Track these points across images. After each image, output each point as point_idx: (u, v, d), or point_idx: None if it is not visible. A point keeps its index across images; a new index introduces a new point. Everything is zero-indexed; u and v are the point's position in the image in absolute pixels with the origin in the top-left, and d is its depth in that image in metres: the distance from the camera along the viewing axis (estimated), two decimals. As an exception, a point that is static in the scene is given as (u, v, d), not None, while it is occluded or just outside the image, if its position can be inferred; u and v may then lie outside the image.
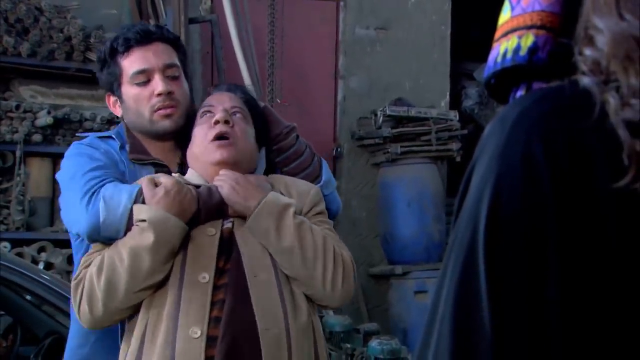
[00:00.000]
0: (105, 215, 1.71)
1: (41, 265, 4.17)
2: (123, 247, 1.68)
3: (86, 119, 4.53)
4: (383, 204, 5.38)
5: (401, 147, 5.29)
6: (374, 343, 3.75)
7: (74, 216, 1.78)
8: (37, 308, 3.15)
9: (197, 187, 1.78)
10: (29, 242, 4.32)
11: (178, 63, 1.93)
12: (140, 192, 1.72)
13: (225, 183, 1.75)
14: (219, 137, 1.80)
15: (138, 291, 1.68)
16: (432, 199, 5.28)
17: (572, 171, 0.67)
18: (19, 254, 4.13)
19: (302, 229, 1.72)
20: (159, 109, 1.88)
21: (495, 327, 0.68)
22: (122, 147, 1.92)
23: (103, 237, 1.73)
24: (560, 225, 0.67)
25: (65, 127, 4.51)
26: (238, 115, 1.86)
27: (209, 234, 1.73)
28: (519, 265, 0.68)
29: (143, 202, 1.70)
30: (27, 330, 3.18)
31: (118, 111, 1.96)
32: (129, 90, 1.90)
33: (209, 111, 1.85)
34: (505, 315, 0.68)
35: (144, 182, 1.73)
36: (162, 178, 1.74)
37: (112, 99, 1.96)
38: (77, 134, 2.03)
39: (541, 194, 0.68)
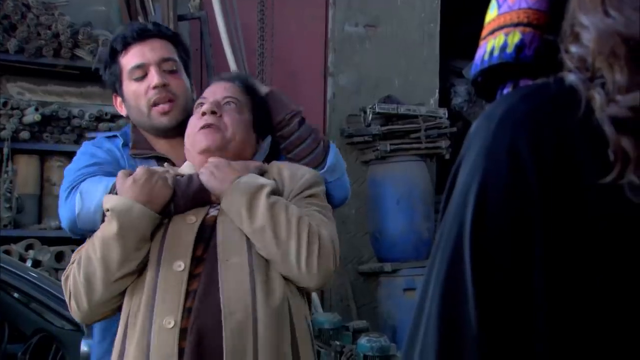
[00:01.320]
0: (80, 207, 1.75)
1: (29, 263, 4.15)
2: (96, 239, 1.70)
3: (74, 116, 4.51)
4: (372, 202, 5.38)
5: (390, 144, 5.29)
6: (363, 340, 3.75)
7: (59, 209, 1.85)
8: (25, 306, 3.14)
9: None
10: (16, 240, 4.30)
11: (176, 58, 1.95)
12: (115, 184, 1.74)
13: (206, 170, 1.75)
14: (205, 126, 1.81)
15: (115, 281, 1.68)
16: (422, 196, 5.28)
17: (558, 167, 0.68)
18: (7, 252, 4.11)
19: (275, 208, 1.69)
20: (156, 103, 1.89)
21: (481, 322, 0.68)
22: (125, 145, 1.95)
23: (81, 229, 1.78)
24: (546, 222, 0.67)
25: (53, 124, 4.49)
26: (231, 105, 1.85)
27: (189, 222, 1.72)
28: (505, 261, 0.68)
29: (116, 194, 1.72)
30: (14, 328, 3.17)
31: (123, 111, 1.99)
32: (128, 87, 1.93)
33: (202, 103, 1.86)
34: (491, 311, 0.68)
35: (118, 174, 1.74)
36: (138, 169, 1.74)
37: (118, 99, 1.99)
38: (88, 135, 2.10)
39: (527, 190, 0.68)
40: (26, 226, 4.42)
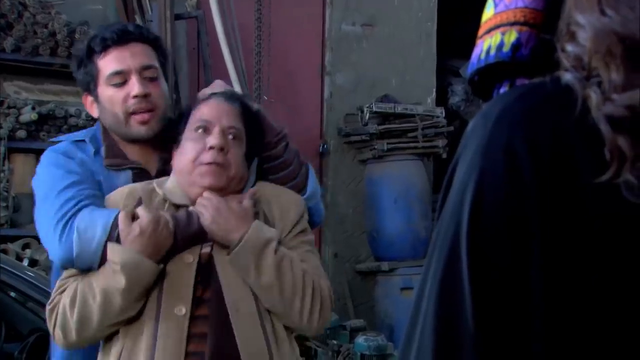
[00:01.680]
0: (79, 249, 1.68)
1: (25, 262, 4.15)
2: (96, 285, 1.66)
3: (71, 115, 4.50)
4: (369, 201, 5.39)
5: (387, 143, 5.29)
6: (360, 339, 3.75)
7: (48, 243, 1.75)
8: (22, 305, 3.14)
9: (177, 206, 1.75)
10: (13, 239, 4.30)
11: (156, 64, 1.88)
12: (115, 224, 1.67)
13: (206, 211, 1.70)
14: (213, 164, 1.74)
15: (111, 325, 1.68)
16: (419, 195, 5.29)
17: (554, 166, 0.68)
18: (3, 251, 4.10)
19: (282, 266, 1.70)
20: (134, 112, 1.83)
21: (478, 321, 0.68)
22: (96, 152, 1.87)
23: (77, 268, 1.71)
24: (543, 221, 0.67)
25: (50, 123, 4.48)
26: (234, 139, 1.78)
27: (186, 261, 1.70)
28: (501, 260, 0.68)
29: (118, 237, 1.67)
30: (11, 327, 3.16)
31: (95, 112, 1.91)
32: (104, 91, 1.85)
33: (205, 127, 1.76)
34: (487, 310, 0.68)
35: (120, 216, 1.68)
36: (140, 211, 1.69)
37: (89, 99, 1.91)
38: (50, 140, 1.98)
39: (523, 189, 0.68)
40: (23, 225, 4.41)
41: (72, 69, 1.94)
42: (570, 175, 0.68)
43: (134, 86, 1.83)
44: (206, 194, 1.73)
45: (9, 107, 4.37)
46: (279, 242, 1.74)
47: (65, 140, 1.93)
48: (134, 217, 1.68)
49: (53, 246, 1.72)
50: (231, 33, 4.68)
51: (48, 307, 1.72)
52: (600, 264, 0.67)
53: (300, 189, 1.90)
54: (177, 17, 4.74)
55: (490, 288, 0.68)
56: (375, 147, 5.30)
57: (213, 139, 1.73)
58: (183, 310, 1.65)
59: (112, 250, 1.65)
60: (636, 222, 0.67)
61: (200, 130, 1.76)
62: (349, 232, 5.57)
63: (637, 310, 0.67)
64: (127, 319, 1.68)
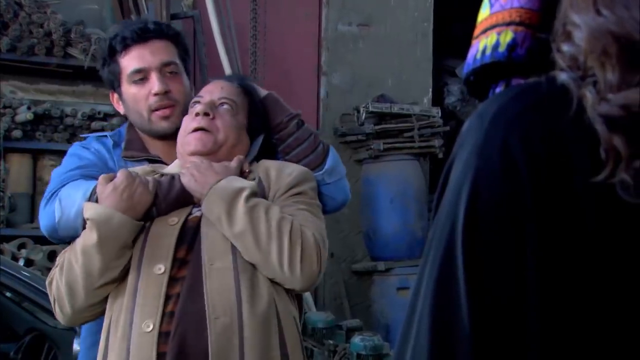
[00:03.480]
0: (60, 215, 1.73)
1: (21, 262, 4.14)
2: (77, 246, 1.68)
3: (67, 115, 4.50)
4: (366, 201, 5.39)
5: (384, 143, 5.30)
6: (356, 339, 3.75)
7: (39, 217, 1.83)
8: (18, 305, 3.13)
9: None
10: (8, 239, 4.29)
11: (177, 60, 1.93)
12: (95, 189, 1.71)
13: (187, 171, 1.74)
14: (198, 129, 1.79)
15: (98, 288, 1.67)
16: (415, 195, 5.29)
17: (549, 166, 0.68)
18: (-1, 251, 4.10)
19: (255, 211, 1.67)
20: (156, 109, 1.88)
21: (474, 322, 0.68)
22: (116, 145, 1.93)
23: (61, 236, 1.75)
24: (538, 221, 0.67)
25: (46, 123, 4.47)
26: (225, 106, 1.82)
27: (170, 223, 1.70)
28: (497, 260, 0.68)
29: (97, 201, 1.69)
30: (7, 327, 3.16)
31: (121, 108, 1.97)
32: (128, 89, 1.91)
33: (198, 102, 1.83)
34: (483, 310, 0.68)
35: (99, 179, 1.71)
36: (118, 173, 1.72)
37: (115, 96, 1.97)
38: (81, 135, 2.08)
39: (519, 189, 0.68)
40: (19, 225, 4.41)
41: (97, 67, 2.00)
42: (565, 175, 0.68)
43: (154, 84, 1.87)
44: (191, 159, 1.76)
45: (4, 107, 4.37)
46: (255, 194, 1.71)
47: (89, 137, 2.02)
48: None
49: (40, 217, 1.81)
50: (227, 33, 4.68)
51: (47, 283, 1.74)
52: (595, 264, 0.67)
53: (316, 166, 1.89)
54: (173, 16, 4.74)
55: (485, 288, 0.68)
56: (372, 147, 5.31)
57: (198, 106, 1.80)
58: (162, 268, 1.65)
59: (85, 207, 1.69)
60: (632, 222, 0.67)
61: (193, 107, 1.83)
62: (345, 231, 5.57)
63: (634, 311, 0.67)
64: (110, 281, 1.67)
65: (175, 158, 1.88)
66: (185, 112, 1.88)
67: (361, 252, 5.56)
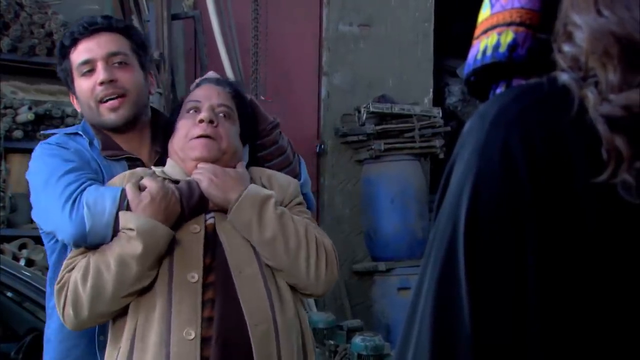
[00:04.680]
0: (91, 223, 1.68)
1: (22, 262, 4.14)
2: (110, 255, 1.66)
3: (68, 115, 4.50)
4: (366, 201, 5.39)
5: (385, 143, 5.30)
6: (357, 339, 3.75)
7: (56, 223, 1.74)
8: (18, 305, 3.13)
9: (177, 182, 1.77)
10: (9, 239, 4.29)
11: (127, 51, 1.89)
12: (123, 196, 1.69)
13: (203, 177, 1.74)
14: (203, 136, 1.79)
15: (125, 296, 1.68)
16: (416, 195, 5.29)
17: (550, 166, 0.68)
18: (0, 251, 4.10)
19: (284, 218, 1.72)
20: (103, 99, 1.84)
21: (475, 322, 0.68)
22: (91, 144, 1.88)
23: (89, 244, 1.71)
24: (539, 221, 0.67)
25: (47, 123, 4.47)
26: (223, 114, 1.84)
27: (194, 232, 1.72)
28: (498, 260, 0.68)
29: (128, 207, 1.68)
30: (7, 327, 3.16)
31: (78, 107, 1.93)
32: (78, 83, 1.88)
33: (196, 107, 1.83)
34: (484, 311, 0.68)
35: (127, 187, 1.70)
36: (147, 182, 1.72)
37: (72, 95, 1.94)
38: (41, 133, 1.99)
39: (520, 189, 0.68)
40: (19, 225, 4.40)
41: (57, 70, 1.96)
42: (567, 175, 0.68)
43: (99, 73, 1.84)
44: (201, 164, 1.77)
45: (5, 107, 4.37)
46: (277, 202, 1.76)
47: (57, 134, 1.94)
48: (140, 189, 1.71)
49: (63, 225, 1.71)
50: (228, 33, 4.68)
51: (56, 287, 1.71)
52: (595, 264, 0.67)
53: (295, 175, 1.93)
54: (174, 17, 4.74)
55: (486, 288, 0.68)
56: (372, 147, 5.30)
57: (202, 113, 1.80)
58: (195, 276, 1.67)
59: (126, 218, 1.67)
60: (633, 222, 0.67)
61: (192, 111, 1.83)
62: (345, 232, 5.57)
63: (633, 311, 0.67)
64: (139, 290, 1.68)
65: (137, 150, 1.88)
66: (136, 103, 1.86)
67: (362, 253, 5.55)
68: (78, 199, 1.71)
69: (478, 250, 0.69)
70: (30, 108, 4.38)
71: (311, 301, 4.71)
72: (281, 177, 1.87)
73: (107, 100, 1.84)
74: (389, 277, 5.21)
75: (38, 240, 4.29)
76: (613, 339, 0.67)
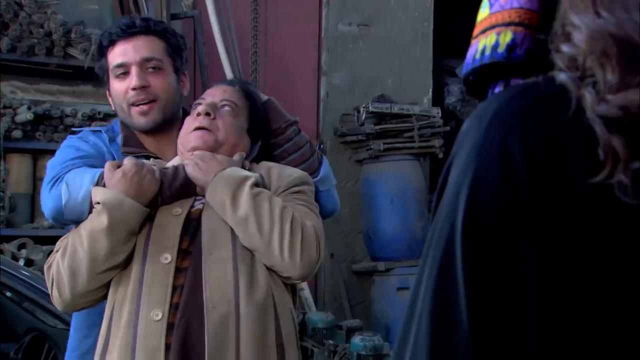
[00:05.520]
0: (67, 198, 1.75)
1: (21, 262, 4.14)
2: (83, 231, 1.69)
3: (67, 115, 4.50)
4: (366, 201, 5.38)
5: (384, 143, 5.29)
6: (356, 339, 3.75)
7: (42, 201, 1.84)
8: (18, 305, 3.13)
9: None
10: (9, 239, 4.29)
11: (161, 56, 1.93)
12: (102, 175, 1.74)
13: (190, 161, 1.77)
14: (199, 128, 1.83)
15: (100, 273, 1.69)
16: (415, 195, 5.29)
17: (548, 166, 0.68)
18: (-1, 251, 4.10)
19: (259, 198, 1.70)
20: (134, 104, 1.90)
21: (473, 322, 0.68)
22: (112, 140, 1.95)
23: (67, 219, 1.78)
24: (537, 221, 0.68)
25: (46, 123, 4.47)
26: (226, 108, 1.87)
27: (174, 214, 1.73)
28: (496, 259, 0.68)
29: (104, 185, 1.72)
30: (7, 327, 3.16)
31: (112, 104, 1.99)
32: (113, 84, 1.94)
33: (199, 103, 1.88)
34: (482, 311, 0.68)
35: (106, 165, 1.74)
36: (125, 160, 1.75)
37: (107, 92, 2.00)
38: (72, 129, 2.09)
39: (518, 189, 0.68)
40: (19, 225, 4.41)
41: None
42: (564, 175, 0.68)
43: (133, 78, 1.89)
44: (196, 152, 1.80)
45: (4, 107, 4.36)
46: (258, 184, 1.74)
47: (84, 130, 2.03)
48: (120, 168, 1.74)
49: (44, 199, 1.83)
50: (227, 33, 4.68)
51: (45, 267, 1.75)
52: (592, 263, 0.67)
53: (311, 173, 1.93)
54: (173, 16, 4.74)
55: (484, 287, 0.68)
56: (372, 147, 5.30)
57: (200, 107, 1.84)
58: (169, 257, 1.67)
59: (95, 191, 1.71)
60: (629, 222, 0.67)
61: (195, 108, 1.87)
62: (345, 232, 5.57)
63: (631, 311, 0.67)
64: (114, 266, 1.69)
65: (168, 153, 1.92)
66: (166, 108, 1.91)
67: (361, 252, 5.55)
68: (62, 177, 1.79)
69: (476, 250, 0.69)
70: (29, 108, 4.38)
71: (311, 301, 4.72)
72: (285, 169, 1.86)
73: (138, 105, 1.90)
74: (388, 277, 5.21)
75: (37, 240, 4.30)
76: (611, 340, 0.68)
